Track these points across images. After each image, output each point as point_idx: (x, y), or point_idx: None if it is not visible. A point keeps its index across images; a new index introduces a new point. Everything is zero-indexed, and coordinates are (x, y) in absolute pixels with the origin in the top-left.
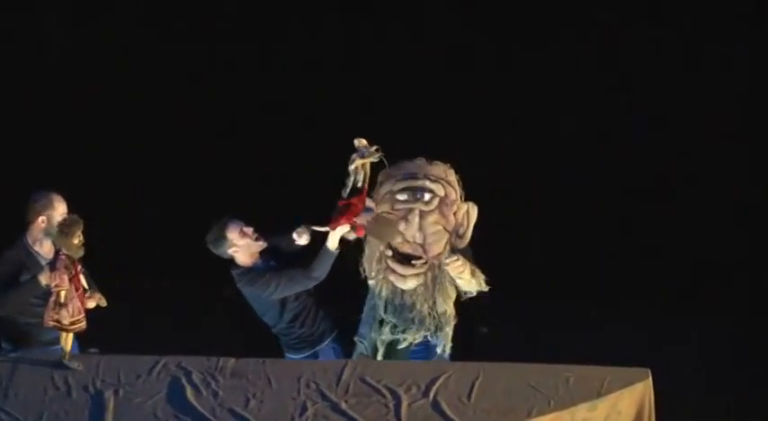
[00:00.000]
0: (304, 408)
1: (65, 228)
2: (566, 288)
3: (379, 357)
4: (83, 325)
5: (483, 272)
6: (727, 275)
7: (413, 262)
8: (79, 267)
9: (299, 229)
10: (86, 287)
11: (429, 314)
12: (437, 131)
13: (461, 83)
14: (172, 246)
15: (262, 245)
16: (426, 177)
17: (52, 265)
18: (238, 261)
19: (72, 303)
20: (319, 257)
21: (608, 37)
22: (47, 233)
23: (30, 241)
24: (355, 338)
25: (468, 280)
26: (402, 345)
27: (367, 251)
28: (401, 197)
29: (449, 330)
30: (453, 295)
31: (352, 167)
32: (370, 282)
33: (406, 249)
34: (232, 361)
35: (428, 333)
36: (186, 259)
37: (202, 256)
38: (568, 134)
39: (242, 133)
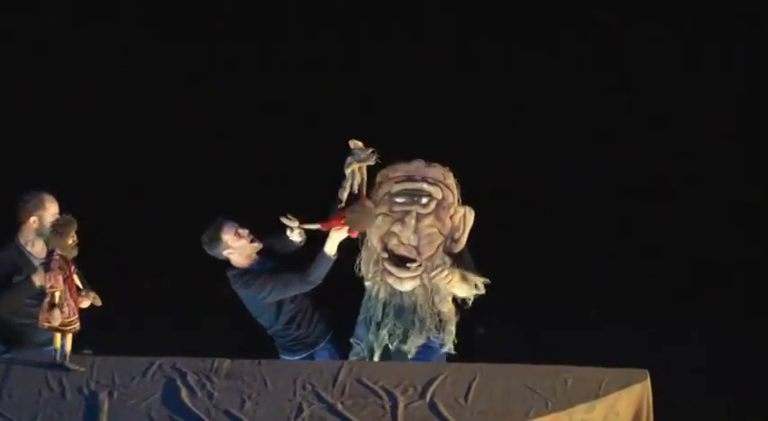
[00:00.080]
0: (300, 410)
1: (59, 229)
2: (566, 288)
3: (376, 359)
4: (77, 326)
5: (483, 272)
6: (727, 275)
7: (407, 264)
8: (73, 267)
9: (288, 223)
10: (80, 287)
11: (430, 314)
12: (437, 131)
13: (461, 83)
14: (171, 247)
15: (257, 246)
16: (424, 180)
17: (46, 266)
18: (234, 262)
19: (67, 304)
20: (317, 261)
21: (608, 37)
22: (39, 233)
23: (22, 242)
24: (351, 340)
25: (459, 286)
26: (408, 352)
27: (364, 253)
28: (399, 199)
29: (451, 328)
30: (452, 293)
31: (348, 171)
32: (367, 284)
33: (402, 251)
34: (227, 362)
35: (430, 333)
36: (186, 259)
37: (201, 257)
38: (568, 134)
39: (242, 133)
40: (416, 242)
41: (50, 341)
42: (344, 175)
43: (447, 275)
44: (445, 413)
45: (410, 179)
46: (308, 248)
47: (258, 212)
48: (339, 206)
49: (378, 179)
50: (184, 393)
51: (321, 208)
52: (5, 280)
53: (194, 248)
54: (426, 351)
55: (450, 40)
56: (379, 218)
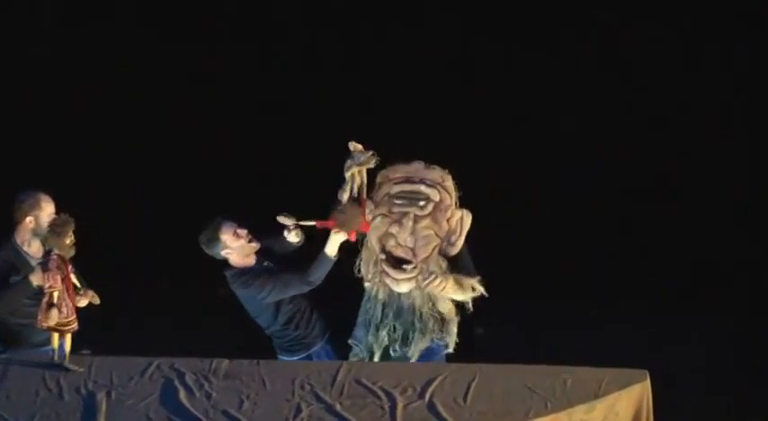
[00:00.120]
0: (298, 410)
1: (57, 228)
2: (566, 288)
3: (376, 360)
4: (75, 326)
5: (483, 272)
6: (727, 275)
7: (403, 266)
8: (70, 267)
9: (284, 221)
10: (78, 286)
11: (431, 315)
12: (437, 131)
13: (461, 83)
14: (171, 247)
15: (255, 246)
16: (422, 182)
17: (44, 266)
18: (232, 262)
19: (65, 304)
20: (317, 262)
21: (608, 37)
22: (35, 233)
23: (18, 241)
24: (350, 341)
25: (454, 292)
26: (411, 357)
27: (364, 254)
28: (398, 201)
29: (453, 328)
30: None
31: (348, 174)
32: (367, 285)
33: (399, 253)
34: (226, 362)
35: (434, 335)
36: (186, 259)
37: (201, 257)
38: (568, 134)
39: (242, 133)
40: (413, 244)
41: (47, 341)
42: (344, 178)
43: (440, 283)
44: (444, 413)
45: (408, 181)
46: (307, 248)
47: (258, 212)
48: (339, 206)
49: (378, 180)
50: (182, 393)
51: (321, 208)
52: (2, 280)
53: (194, 248)
54: (428, 352)
55: (450, 40)
56: (378, 218)
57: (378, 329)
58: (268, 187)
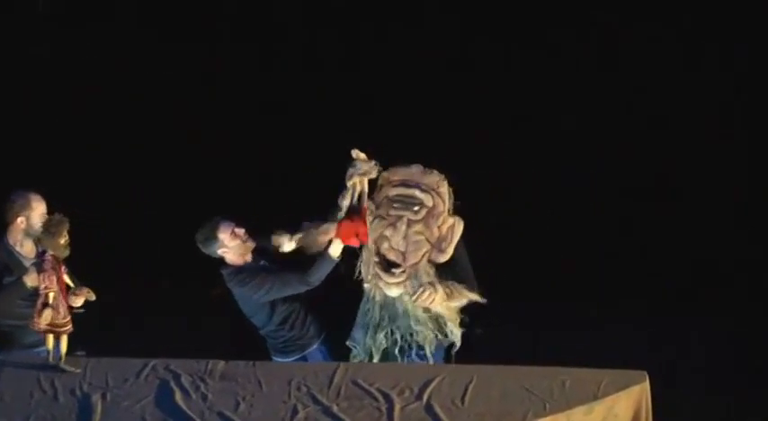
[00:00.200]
0: (295, 412)
1: (51, 228)
2: (566, 288)
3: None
4: (70, 327)
5: (484, 272)
6: (728, 275)
7: (392, 270)
8: (63, 267)
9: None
10: (71, 285)
11: (429, 317)
12: (437, 131)
13: (461, 83)
14: (171, 247)
15: (251, 245)
16: (417, 186)
17: (39, 267)
18: (228, 260)
19: (61, 305)
20: (318, 263)
21: (608, 37)
22: (26, 233)
23: (11, 242)
24: (348, 343)
25: (445, 302)
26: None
27: (365, 254)
28: (395, 203)
29: (453, 326)
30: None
31: (349, 183)
32: (366, 286)
33: (391, 256)
34: (221, 363)
35: (437, 333)
36: (185, 260)
37: (200, 257)
38: (568, 134)
39: (242, 133)
40: (404, 248)
41: (40, 342)
42: (345, 184)
43: (429, 296)
44: (442, 415)
45: (405, 184)
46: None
47: (258, 212)
48: (339, 214)
49: (379, 181)
50: (178, 395)
51: (321, 208)
52: None
53: (194, 249)
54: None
55: (450, 39)
56: (376, 220)
57: (376, 331)
58: (268, 187)
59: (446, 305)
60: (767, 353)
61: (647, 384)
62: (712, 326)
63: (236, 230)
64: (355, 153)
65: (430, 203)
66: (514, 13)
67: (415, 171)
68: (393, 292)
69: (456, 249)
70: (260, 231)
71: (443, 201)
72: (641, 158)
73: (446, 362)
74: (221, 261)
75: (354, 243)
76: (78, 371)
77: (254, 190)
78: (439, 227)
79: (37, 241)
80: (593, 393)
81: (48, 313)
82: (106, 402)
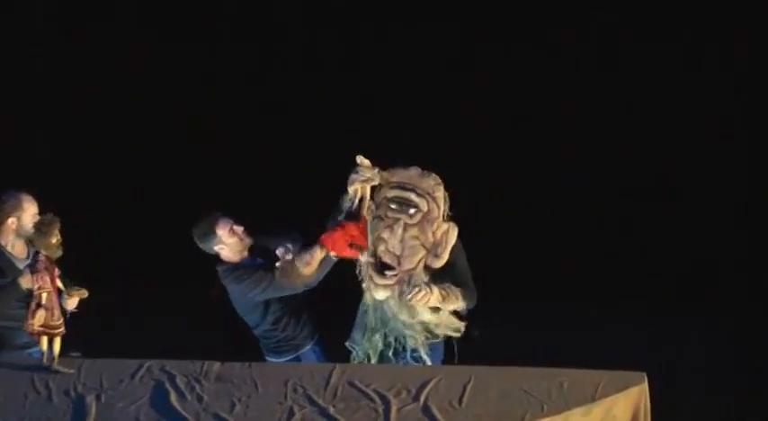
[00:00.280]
0: (291, 413)
1: (42, 228)
2: (566, 288)
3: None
4: (63, 330)
5: (483, 272)
6: (728, 275)
7: (385, 272)
8: (56, 270)
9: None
10: (62, 289)
11: (418, 322)
12: (437, 131)
13: (461, 83)
14: (170, 247)
15: (249, 243)
16: (414, 190)
17: (32, 268)
18: (224, 257)
19: (55, 306)
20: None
21: (608, 37)
22: (18, 234)
23: (2, 243)
24: (347, 344)
25: (440, 304)
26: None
27: (364, 255)
28: (392, 205)
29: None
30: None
31: (351, 189)
32: (365, 286)
33: (386, 259)
34: (217, 364)
35: (427, 335)
36: (185, 260)
37: (199, 257)
38: (568, 134)
39: (242, 133)
40: (400, 252)
41: (32, 343)
42: (346, 188)
43: (424, 296)
44: (439, 416)
45: (402, 187)
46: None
47: (257, 212)
48: (339, 217)
49: (380, 181)
50: (173, 396)
51: (321, 208)
52: None
53: (193, 249)
54: (432, 350)
55: (450, 39)
56: (375, 220)
57: (372, 333)
58: (268, 187)
59: (440, 304)
60: (767, 353)
61: (645, 385)
62: (712, 326)
63: (235, 227)
64: (360, 159)
65: (425, 208)
66: (514, 13)
67: (412, 173)
68: (379, 295)
69: (454, 254)
70: (259, 231)
71: (438, 207)
72: (641, 158)
73: (446, 362)
74: (217, 257)
75: (351, 254)
76: (72, 371)
77: (253, 190)
78: (433, 232)
79: (29, 242)
80: (592, 394)
81: (41, 314)
82: (101, 403)
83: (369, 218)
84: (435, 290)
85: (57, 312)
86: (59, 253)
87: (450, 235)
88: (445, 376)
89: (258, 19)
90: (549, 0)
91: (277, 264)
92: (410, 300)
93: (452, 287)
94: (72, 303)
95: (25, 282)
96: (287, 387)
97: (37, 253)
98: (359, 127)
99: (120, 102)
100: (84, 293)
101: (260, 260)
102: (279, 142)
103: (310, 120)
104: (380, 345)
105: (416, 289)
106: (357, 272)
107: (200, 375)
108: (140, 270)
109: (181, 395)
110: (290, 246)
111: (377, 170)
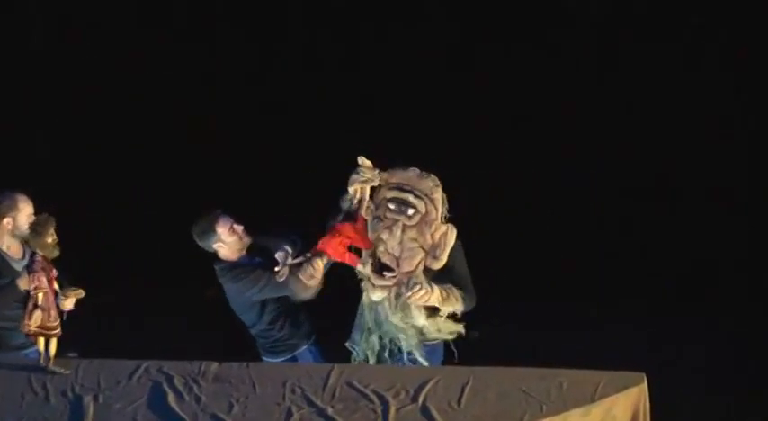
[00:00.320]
0: (289, 414)
1: (38, 228)
2: (566, 288)
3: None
4: (59, 331)
5: (484, 272)
6: (728, 275)
7: (384, 273)
8: (54, 271)
9: (280, 255)
10: (58, 291)
11: (411, 326)
12: (437, 131)
13: (461, 83)
14: (170, 247)
15: (248, 242)
16: (412, 191)
17: (29, 268)
18: (222, 255)
19: (51, 306)
20: None
21: (608, 37)
22: (13, 235)
23: None
24: (347, 344)
25: (439, 304)
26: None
27: (365, 254)
28: (391, 206)
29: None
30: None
31: (351, 189)
32: (363, 286)
33: (385, 260)
34: (215, 365)
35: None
36: (184, 260)
37: (198, 257)
38: (568, 134)
39: (242, 133)
40: (399, 253)
41: (29, 344)
42: (346, 188)
43: (425, 294)
44: (438, 417)
45: (400, 188)
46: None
47: (257, 212)
48: (338, 217)
49: (380, 181)
50: (171, 397)
51: (321, 208)
52: None
53: (193, 249)
54: (431, 352)
55: (450, 39)
56: (375, 220)
57: (369, 334)
58: (268, 187)
59: (439, 304)
60: (767, 353)
61: (645, 386)
62: (712, 326)
63: (235, 226)
64: (361, 160)
65: (423, 210)
66: (514, 13)
67: (411, 175)
68: (376, 296)
69: (453, 256)
70: (259, 231)
71: (436, 209)
72: (641, 158)
73: (447, 363)
74: (215, 256)
75: (350, 260)
76: (68, 372)
77: (253, 190)
78: (432, 234)
79: (25, 242)
80: (591, 395)
81: (38, 315)
82: (98, 404)
83: (369, 218)
84: (436, 289)
85: (53, 313)
86: (56, 252)
87: (449, 237)
88: (444, 377)
89: (258, 19)
90: (549, 0)
91: (276, 268)
92: (410, 297)
93: (453, 289)
94: (68, 304)
95: (23, 283)
96: (285, 387)
97: (34, 253)
98: (359, 127)
99: (120, 102)
100: (81, 293)
101: (258, 259)
102: (279, 142)
103: (310, 120)
104: (377, 346)
105: (417, 286)
106: (357, 271)
107: (197, 376)
108: (140, 270)
109: (179, 395)
110: (289, 249)
111: (377, 171)
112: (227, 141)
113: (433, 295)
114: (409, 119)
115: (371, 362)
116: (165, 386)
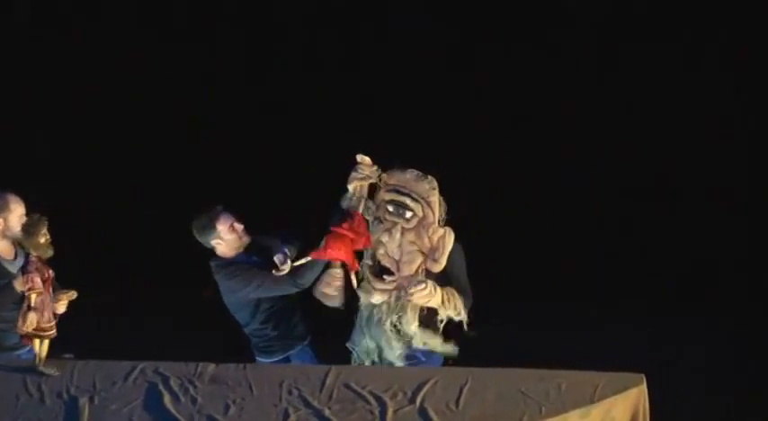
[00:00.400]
0: (286, 415)
1: (30, 228)
2: (566, 288)
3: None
4: (54, 332)
5: (484, 272)
6: (728, 275)
7: (384, 276)
8: (51, 272)
9: (279, 257)
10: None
11: (393, 331)
12: (437, 131)
13: (461, 83)
14: (170, 247)
15: (246, 241)
16: (409, 194)
17: (24, 269)
18: (219, 252)
19: (46, 308)
20: (310, 264)
21: (608, 37)
22: (3, 235)
23: None
24: (348, 345)
25: (440, 305)
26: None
27: (364, 256)
28: (390, 208)
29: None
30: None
31: (350, 187)
32: (363, 287)
33: (386, 262)
34: (211, 366)
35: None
36: (184, 260)
37: (198, 257)
38: (568, 134)
39: (242, 133)
40: (398, 257)
41: (20, 345)
42: (346, 188)
43: (428, 295)
44: (435, 418)
45: (397, 191)
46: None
47: (257, 212)
48: (339, 217)
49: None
50: (167, 398)
51: (321, 208)
52: None
53: (193, 249)
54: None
55: (450, 39)
56: (376, 222)
57: (364, 335)
58: (268, 187)
59: (440, 305)
60: (767, 354)
61: (644, 387)
62: (712, 326)
63: (236, 225)
64: (360, 157)
65: (420, 213)
66: (514, 14)
67: (408, 177)
68: (375, 299)
69: (451, 259)
70: (259, 231)
71: (433, 212)
72: (641, 158)
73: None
74: (212, 252)
75: (356, 266)
76: (58, 373)
77: (253, 190)
78: (430, 237)
79: (17, 243)
80: (590, 396)
81: (32, 317)
82: (93, 405)
83: (369, 217)
84: (439, 290)
85: (47, 314)
86: (50, 252)
87: (447, 239)
88: (442, 378)
89: (258, 19)
90: (549, 0)
91: (274, 272)
92: (413, 294)
93: (455, 293)
94: (61, 307)
95: (19, 284)
96: (282, 389)
97: (28, 254)
98: (359, 127)
99: (120, 102)
100: (73, 295)
101: (255, 258)
102: (279, 142)
103: (310, 120)
104: (372, 348)
105: (422, 285)
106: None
107: (194, 377)
108: (140, 270)
109: (175, 397)
110: (287, 252)
111: (376, 168)
112: (227, 141)
113: (435, 297)
114: (409, 119)
115: (367, 363)
116: (161, 387)
